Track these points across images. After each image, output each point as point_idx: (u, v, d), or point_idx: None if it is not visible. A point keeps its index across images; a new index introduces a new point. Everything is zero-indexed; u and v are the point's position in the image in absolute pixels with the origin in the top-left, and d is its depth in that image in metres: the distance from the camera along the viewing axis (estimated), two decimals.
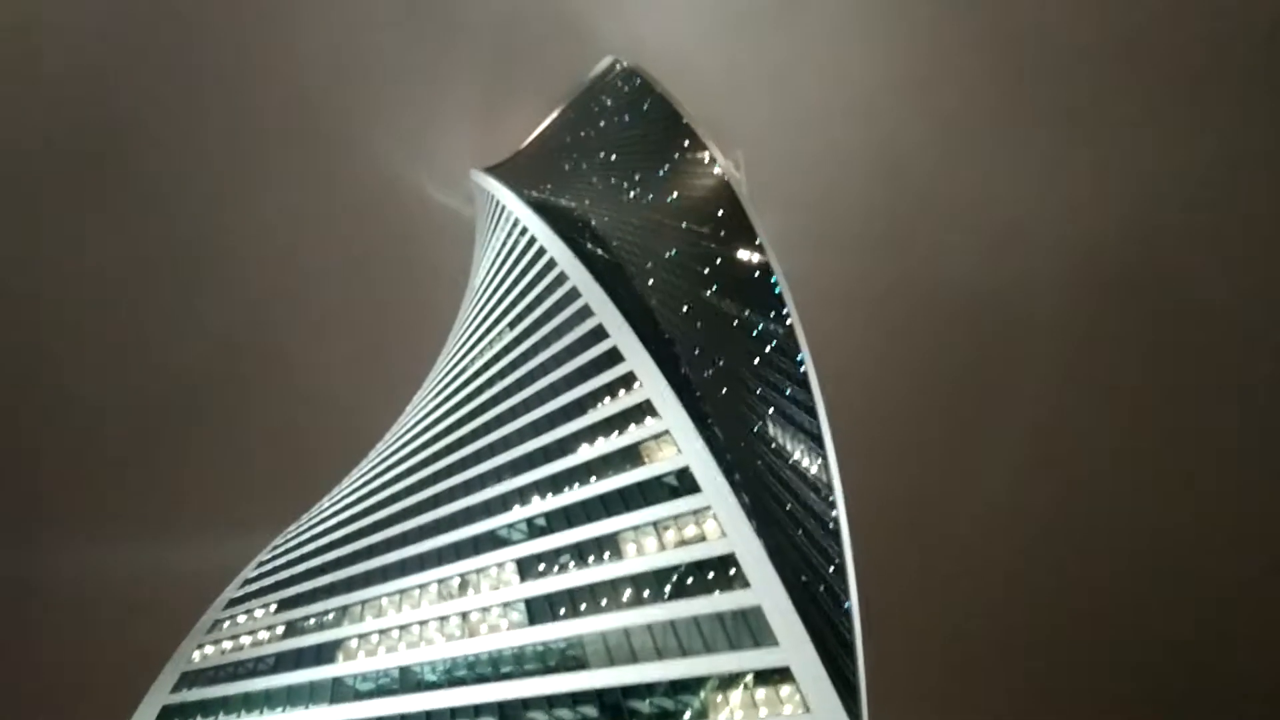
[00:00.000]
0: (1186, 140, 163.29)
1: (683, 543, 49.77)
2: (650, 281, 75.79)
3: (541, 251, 78.14)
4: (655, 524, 51.32)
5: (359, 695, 51.07)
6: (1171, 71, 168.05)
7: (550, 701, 45.81)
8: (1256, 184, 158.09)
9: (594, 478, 55.83)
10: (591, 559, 51.72)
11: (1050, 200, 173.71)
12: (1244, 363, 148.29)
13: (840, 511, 61.53)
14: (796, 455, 64.72)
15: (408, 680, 50.49)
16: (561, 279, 72.32)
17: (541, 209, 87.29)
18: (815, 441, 65.32)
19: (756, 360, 69.83)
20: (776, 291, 74.85)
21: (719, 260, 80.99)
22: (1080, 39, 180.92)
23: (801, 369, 68.82)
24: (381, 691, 50.70)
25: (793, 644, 42.58)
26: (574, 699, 45.35)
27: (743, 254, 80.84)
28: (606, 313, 65.34)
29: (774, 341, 71.33)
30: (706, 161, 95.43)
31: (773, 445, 63.75)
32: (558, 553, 53.24)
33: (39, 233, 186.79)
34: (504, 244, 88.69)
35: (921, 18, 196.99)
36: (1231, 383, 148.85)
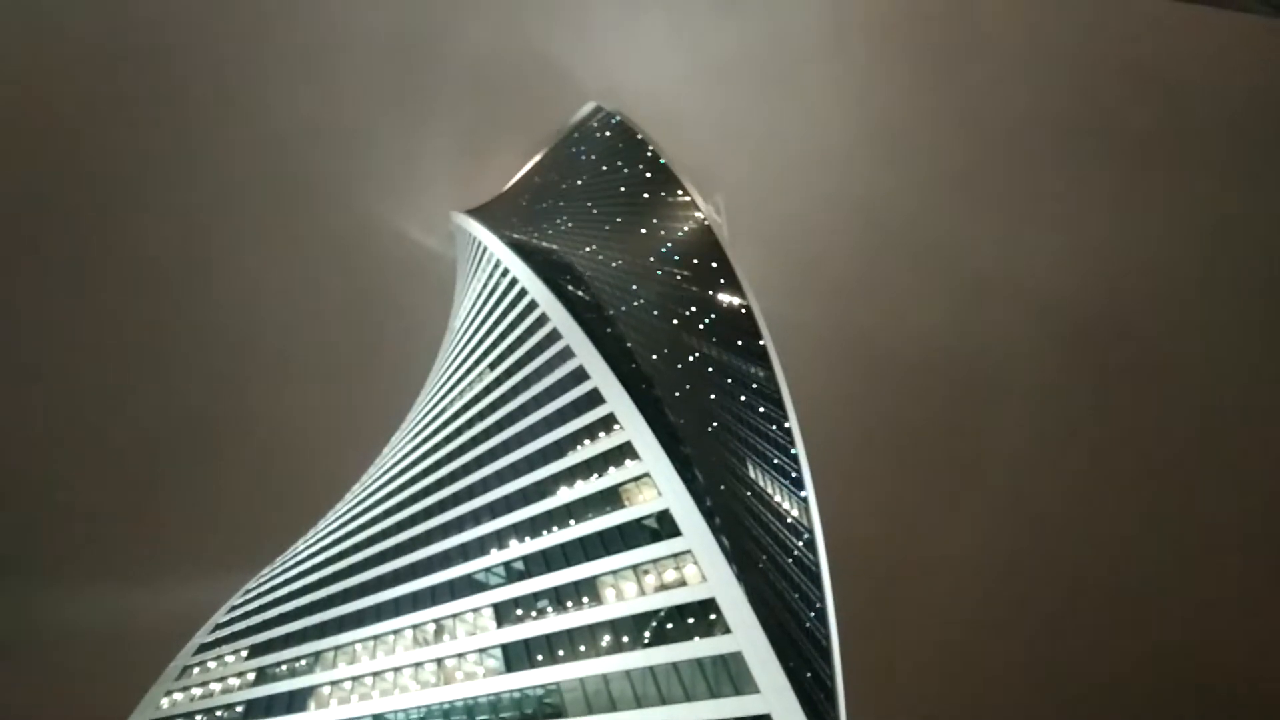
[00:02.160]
0: (1151, 205, 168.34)
1: (663, 587, 49.33)
2: (631, 324, 76.03)
3: (523, 293, 78.34)
4: (635, 568, 50.87)
5: None
6: (1139, 139, 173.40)
7: None
8: (1218, 247, 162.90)
9: (573, 520, 55.42)
10: (570, 604, 51.12)
11: (1018, 255, 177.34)
12: (1206, 415, 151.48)
13: (821, 555, 61.29)
14: (777, 498, 64.57)
15: None
16: (543, 320, 72.45)
17: (523, 251, 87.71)
18: (796, 484, 65.26)
19: (737, 403, 69.99)
20: (757, 335, 75.34)
21: (700, 303, 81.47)
22: (1054, 109, 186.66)
23: (782, 412, 69.04)
24: None
25: (774, 691, 42.11)
26: None
27: (723, 297, 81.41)
28: (587, 355, 65.41)
29: (754, 385, 71.62)
30: (687, 206, 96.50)
31: (753, 488, 63.59)
32: (536, 597, 52.62)
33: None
34: (485, 285, 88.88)
35: (901, 76, 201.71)
36: (1194, 433, 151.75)
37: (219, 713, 55.70)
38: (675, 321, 78.22)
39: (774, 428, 68.41)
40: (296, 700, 53.42)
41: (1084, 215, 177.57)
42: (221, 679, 58.21)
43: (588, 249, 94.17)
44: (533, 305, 75.41)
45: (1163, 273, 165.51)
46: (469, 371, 78.89)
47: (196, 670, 60.26)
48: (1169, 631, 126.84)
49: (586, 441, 59.83)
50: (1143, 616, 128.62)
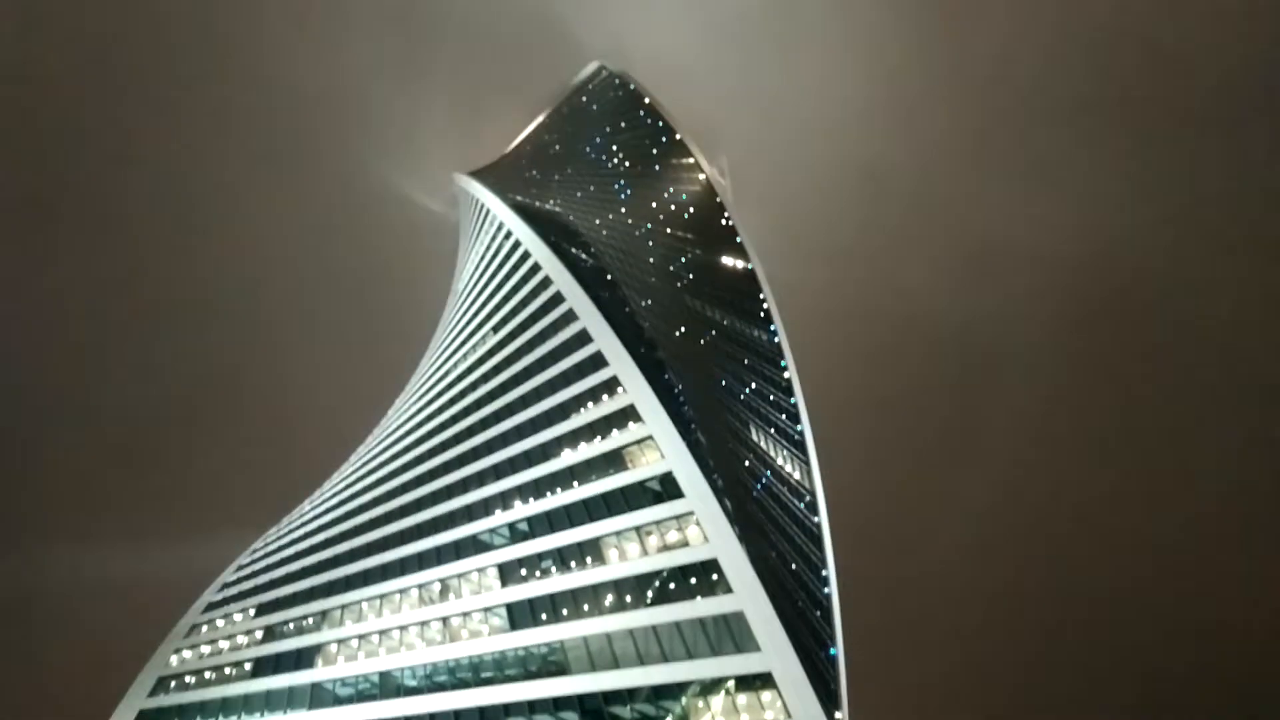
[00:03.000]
0: (1158, 171, 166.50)
1: (665, 548, 49.70)
2: (634, 286, 75.82)
3: (526, 256, 77.99)
4: (638, 529, 51.20)
5: (339, 700, 50.71)
6: (1149, 108, 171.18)
7: (531, 707, 45.64)
8: (1225, 214, 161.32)
9: (577, 482, 55.71)
10: (574, 564, 51.57)
11: (1023, 222, 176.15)
12: (1213, 380, 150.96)
13: (823, 517, 61.66)
14: (779, 461, 64.84)
15: (388, 685, 50.15)
16: (546, 283, 72.20)
17: (526, 213, 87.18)
18: (798, 448, 65.47)
19: (740, 366, 69.99)
20: (761, 298, 75.10)
21: (703, 266, 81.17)
22: (1062, 74, 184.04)
23: (785, 375, 69.02)
24: (361, 697, 50.34)
25: (775, 650, 42.55)
26: (555, 704, 45.20)
27: (727, 260, 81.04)
28: (590, 318, 65.25)
29: (758, 348, 71.54)
30: (691, 167, 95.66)
31: (756, 451, 63.82)
32: (540, 557, 53.06)
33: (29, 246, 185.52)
34: (488, 248, 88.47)
35: (911, 42, 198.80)
36: (1201, 396, 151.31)
37: (228, 669, 56.54)
38: (679, 284, 78.00)
39: (777, 391, 68.48)
40: (304, 657, 54.22)
41: (1090, 182, 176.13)
42: (230, 637, 59.06)
43: (591, 211, 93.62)
44: (536, 268, 75.12)
45: (1168, 241, 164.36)
46: (472, 334, 78.83)
47: (205, 628, 61.11)
48: (1193, 601, 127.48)
49: (590, 404, 59.94)
50: (1166, 583, 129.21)
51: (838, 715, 47.30)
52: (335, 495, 70.21)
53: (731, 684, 42.54)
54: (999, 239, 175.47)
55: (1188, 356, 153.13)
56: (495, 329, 75.26)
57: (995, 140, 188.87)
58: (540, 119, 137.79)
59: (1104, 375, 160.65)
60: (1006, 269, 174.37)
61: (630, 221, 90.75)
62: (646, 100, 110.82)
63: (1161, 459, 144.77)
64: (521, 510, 56.48)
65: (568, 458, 57.72)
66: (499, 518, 56.80)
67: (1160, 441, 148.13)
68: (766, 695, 41.49)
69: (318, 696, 51.25)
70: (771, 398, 68.12)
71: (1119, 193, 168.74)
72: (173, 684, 57.52)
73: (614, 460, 55.59)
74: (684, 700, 42.99)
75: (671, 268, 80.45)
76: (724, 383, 68.03)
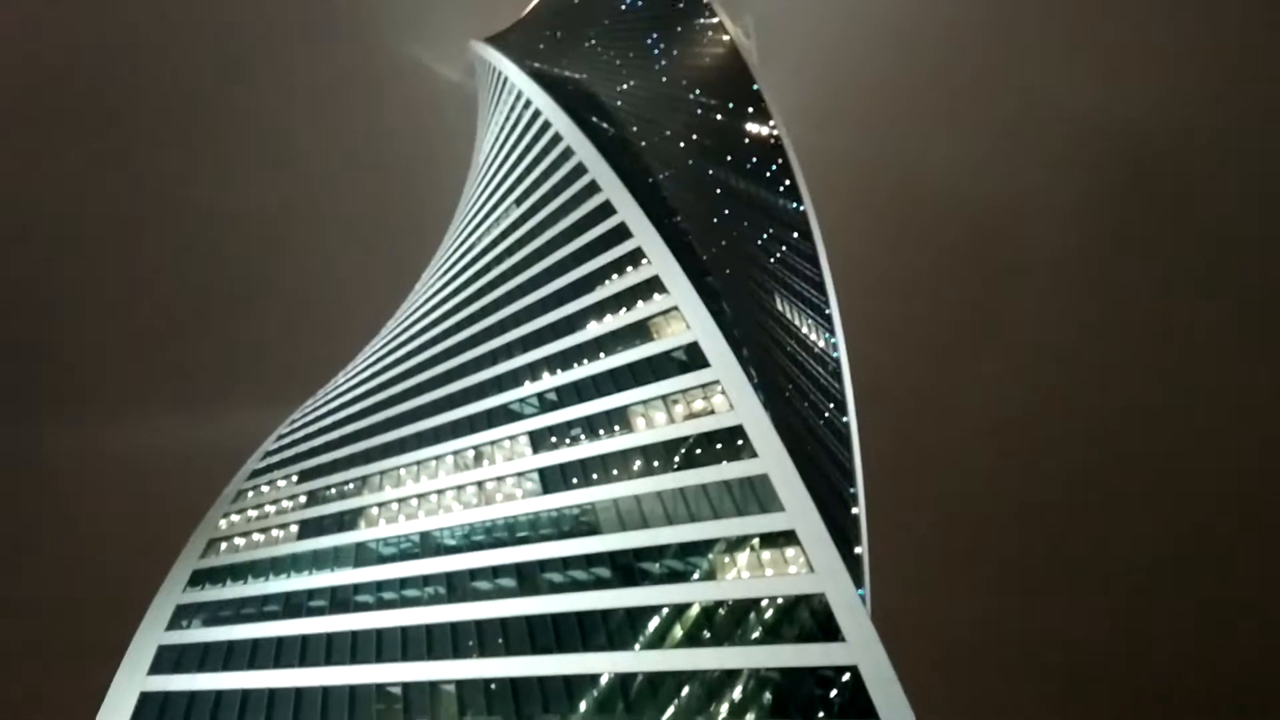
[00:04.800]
0: (1198, 41, 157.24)
1: (691, 415, 50.91)
2: (658, 155, 74.63)
3: (546, 126, 76.66)
4: (664, 398, 52.30)
5: (382, 559, 53.48)
6: None
7: (565, 563, 47.92)
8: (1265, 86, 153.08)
9: (603, 353, 56.62)
10: (602, 432, 53.04)
11: (1054, 91, 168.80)
12: (1259, 262, 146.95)
13: (846, 384, 62.61)
14: (804, 329, 65.31)
15: (428, 544, 52.69)
16: (567, 154, 71.26)
17: (545, 81, 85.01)
18: (823, 316, 65.83)
19: (765, 235, 69.56)
20: (786, 165, 73.83)
21: (728, 133, 79.48)
22: None
23: (810, 245, 68.68)
24: (404, 555, 53.03)
25: (798, 509, 44.15)
26: (588, 561, 47.41)
27: (752, 127, 79.24)
28: (613, 188, 64.71)
29: (783, 216, 70.89)
30: (716, 28, 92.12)
31: (781, 319, 64.23)
32: (569, 425, 54.52)
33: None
34: (507, 119, 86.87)
35: None
36: (1245, 281, 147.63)
37: (275, 531, 59.51)
38: (703, 152, 76.65)
39: (802, 260, 68.30)
40: (347, 520, 56.87)
41: (1125, 51, 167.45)
42: (275, 501, 61.85)
43: (612, 77, 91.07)
44: (557, 138, 73.97)
45: (1204, 114, 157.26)
46: (495, 207, 78.48)
47: (250, 494, 63.93)
48: (1212, 490, 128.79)
49: (615, 276, 60.22)
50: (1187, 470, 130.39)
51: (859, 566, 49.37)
52: (368, 368, 71.90)
53: (756, 541, 44.34)
54: (1032, 113, 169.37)
55: (1233, 234, 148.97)
56: (517, 201, 74.85)
57: (1029, 8, 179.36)
58: None
59: (1140, 255, 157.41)
60: (1039, 145, 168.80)
61: (651, 86, 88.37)
62: None
63: (1200, 348, 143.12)
64: (550, 381, 57.71)
65: (594, 329, 58.47)
66: (528, 388, 58.11)
67: (1199, 329, 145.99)
68: (790, 551, 43.32)
69: (362, 555, 54.06)
70: (796, 267, 68.01)
71: (1159, 59, 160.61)
72: (223, 546, 60.63)
73: (639, 331, 56.29)
74: (710, 556, 44.99)
75: (695, 135, 78.85)
76: (748, 252, 67.82)
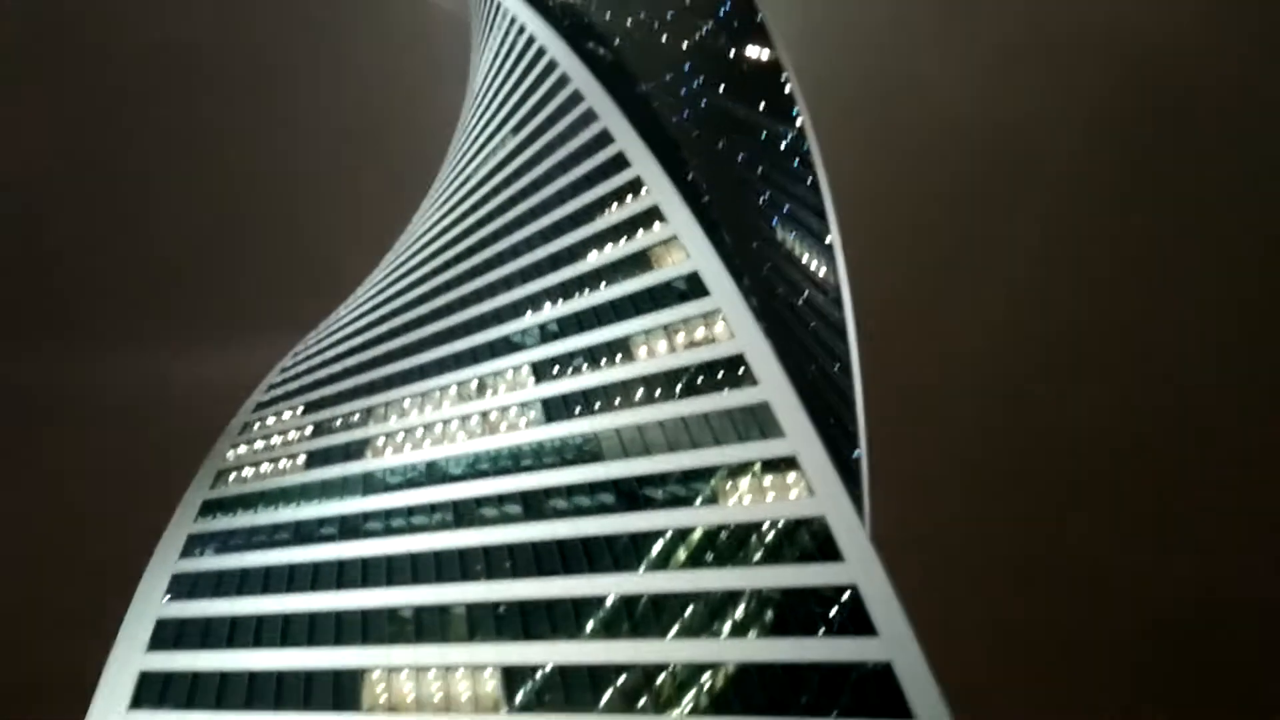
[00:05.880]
0: None
1: (692, 344, 51.25)
2: (655, 81, 73.35)
3: (541, 52, 75.23)
4: (665, 327, 52.59)
5: (389, 487, 54.36)
6: None
7: (570, 490, 48.80)
8: None
9: (603, 283, 56.68)
10: (604, 361, 53.39)
11: (1054, 16, 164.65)
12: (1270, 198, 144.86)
13: (847, 312, 62.81)
14: (805, 257, 65.22)
15: (434, 473, 53.54)
16: (564, 81, 70.11)
17: (539, 6, 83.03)
18: (823, 243, 65.65)
19: (765, 162, 68.90)
20: (786, 90, 72.67)
21: (728, 59, 77.98)
22: None
23: (810, 170, 68.07)
24: (410, 484, 53.89)
25: (799, 435, 44.86)
26: (592, 488, 48.26)
27: (751, 50, 77.71)
28: (611, 117, 63.95)
29: (783, 143, 70.09)
30: None
31: (781, 247, 64.09)
32: (570, 356, 54.89)
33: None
34: (501, 45, 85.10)
35: None
36: (1259, 221, 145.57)
37: (282, 462, 60.38)
38: (702, 79, 75.35)
39: (802, 187, 67.77)
40: (353, 450, 57.68)
41: None
42: (281, 433, 62.58)
43: (608, 2, 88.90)
44: (553, 65, 72.68)
45: (1233, 35, 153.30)
46: (491, 137, 77.50)
47: (257, 426, 64.66)
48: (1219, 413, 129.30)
49: (614, 206, 59.91)
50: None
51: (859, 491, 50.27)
52: (369, 300, 71.96)
53: (758, 467, 45.14)
54: (1036, 35, 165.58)
55: (1244, 168, 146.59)
56: (514, 131, 73.88)
57: None
58: None
59: (1143, 187, 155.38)
60: (1043, 68, 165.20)
61: (650, 13, 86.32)
62: None
63: (1201, 280, 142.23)
64: (551, 312, 57.90)
65: (593, 260, 58.42)
66: (529, 319, 58.34)
67: (1202, 259, 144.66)
68: (791, 476, 44.14)
69: (369, 484, 54.95)
70: (797, 193, 67.53)
71: None
72: (231, 477, 61.58)
73: (640, 261, 56.29)
74: (713, 482, 45.81)
75: (693, 60, 77.38)
76: (749, 180, 67.28)
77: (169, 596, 52.87)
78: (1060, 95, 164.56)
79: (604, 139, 63.27)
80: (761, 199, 66.33)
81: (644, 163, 59.67)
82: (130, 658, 49.45)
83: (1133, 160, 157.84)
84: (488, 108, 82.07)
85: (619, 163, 61.14)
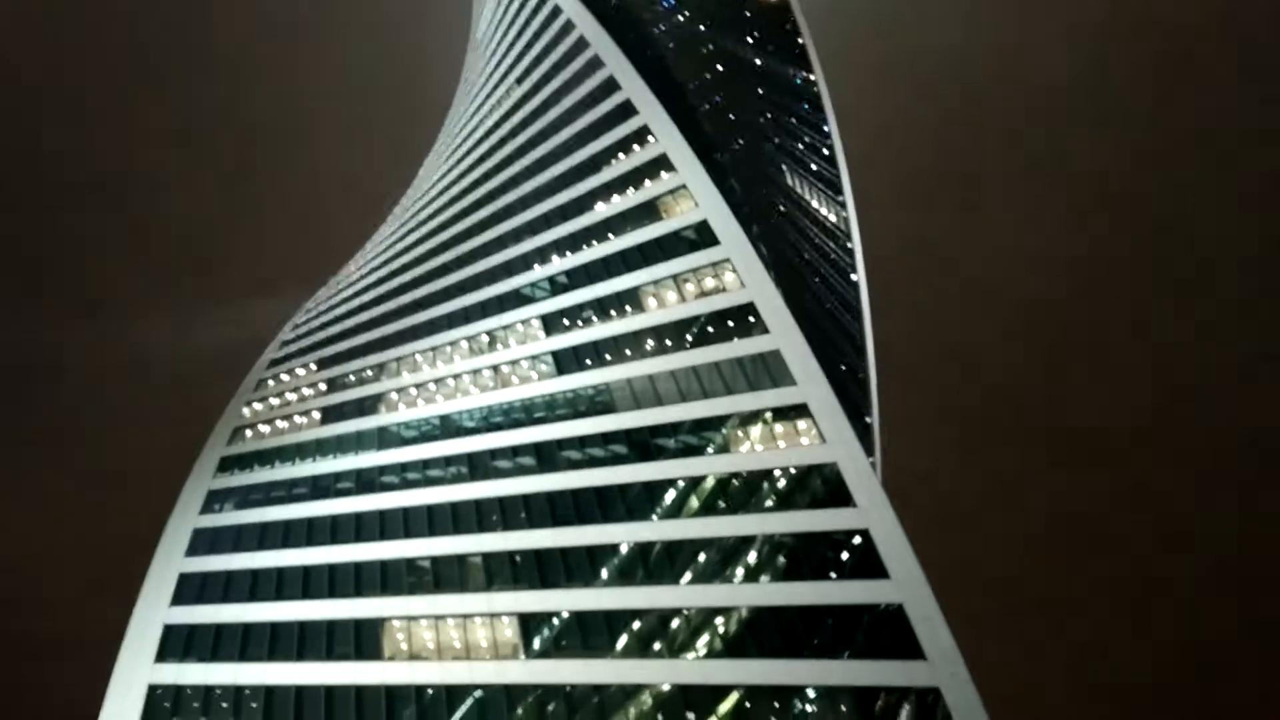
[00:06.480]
0: None
1: (702, 294, 51.07)
2: (661, 27, 72.05)
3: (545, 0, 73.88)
4: (675, 277, 52.38)
5: (404, 441, 54.86)
6: None
7: (583, 441, 49.15)
8: None
9: (612, 234, 56.37)
10: (614, 312, 53.32)
11: None
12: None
13: (858, 258, 62.36)
14: (815, 204, 64.58)
15: (448, 427, 53.95)
16: (568, 28, 68.92)
17: None
18: (834, 190, 64.95)
19: (774, 108, 67.90)
20: (795, 33, 71.29)
21: (735, 2, 76.46)
22: None
23: (821, 115, 67.07)
24: (425, 437, 54.38)
25: (809, 382, 44.88)
26: (605, 438, 48.60)
27: None
28: (617, 64, 62.95)
29: (792, 88, 68.97)
30: None
31: (792, 194, 63.44)
32: (581, 308, 54.83)
33: None
34: None
35: None
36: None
37: (297, 418, 60.93)
38: (708, 23, 73.93)
39: (812, 132, 66.84)
40: (368, 405, 58.11)
41: None
42: (295, 389, 63.04)
43: None
44: (557, 11, 71.39)
45: None
46: (496, 88, 76.53)
47: (271, 383, 65.12)
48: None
49: (621, 155, 59.30)
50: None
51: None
52: (378, 255, 71.88)
53: (769, 414, 45.30)
54: None
55: (1239, 86, 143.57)
56: (519, 80, 72.92)
57: None
58: None
59: (1161, 128, 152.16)
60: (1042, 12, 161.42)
61: None
62: None
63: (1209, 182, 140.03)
64: (560, 264, 57.69)
65: (601, 210, 58.01)
66: (539, 271, 58.17)
67: (1219, 204, 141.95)
68: (802, 423, 44.28)
69: (385, 438, 55.47)
70: (807, 140, 66.64)
71: None
72: (249, 433, 62.23)
73: (648, 211, 55.87)
74: (724, 430, 46.04)
75: (701, 5, 75.89)
76: (757, 126, 66.38)
77: (190, 552, 53.81)
78: (1068, 31, 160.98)
79: (610, 87, 62.39)
80: (771, 145, 65.49)
81: (651, 110, 58.91)
82: (154, 612, 50.61)
83: (1149, 101, 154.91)
84: (492, 56, 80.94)
85: (626, 110, 60.37)
